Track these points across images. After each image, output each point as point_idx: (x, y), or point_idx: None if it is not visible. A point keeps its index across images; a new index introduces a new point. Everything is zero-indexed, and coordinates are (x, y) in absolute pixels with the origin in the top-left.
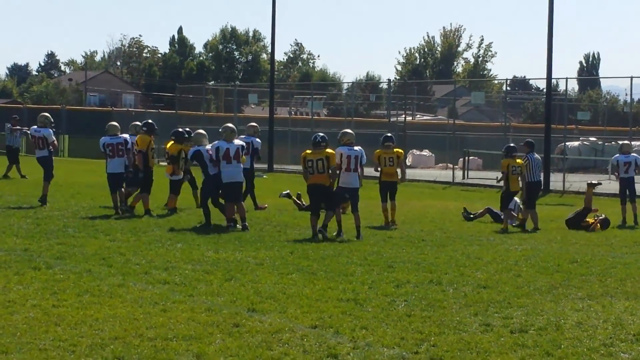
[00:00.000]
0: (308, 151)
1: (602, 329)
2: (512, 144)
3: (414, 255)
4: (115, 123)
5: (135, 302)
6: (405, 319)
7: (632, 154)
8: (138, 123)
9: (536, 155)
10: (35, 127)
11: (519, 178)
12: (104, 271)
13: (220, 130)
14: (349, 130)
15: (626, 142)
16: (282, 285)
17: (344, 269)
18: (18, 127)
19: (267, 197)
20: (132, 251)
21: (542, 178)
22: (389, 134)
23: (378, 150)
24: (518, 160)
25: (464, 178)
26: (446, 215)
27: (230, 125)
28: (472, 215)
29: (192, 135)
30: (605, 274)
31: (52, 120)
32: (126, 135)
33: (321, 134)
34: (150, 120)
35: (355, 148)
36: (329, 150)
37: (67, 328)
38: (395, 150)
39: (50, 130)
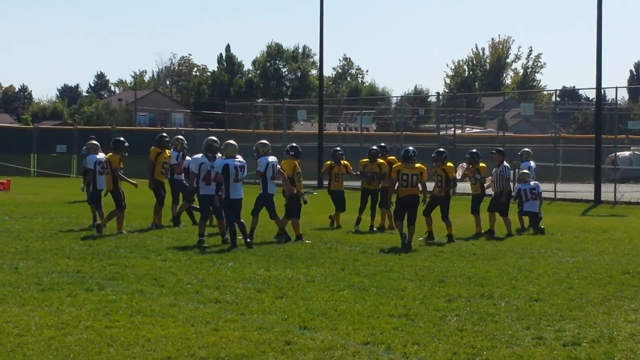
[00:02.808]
0: (400, 164)
1: None
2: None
3: (465, 269)
4: (96, 142)
5: (187, 321)
6: (457, 333)
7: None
8: (181, 137)
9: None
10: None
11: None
12: (155, 291)
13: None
14: (265, 141)
15: (527, 149)
16: (333, 302)
17: (395, 285)
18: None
19: (317, 213)
20: (183, 271)
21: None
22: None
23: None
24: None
25: (514, 190)
26: (497, 228)
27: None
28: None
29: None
30: None
31: (183, 144)
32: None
33: (411, 148)
34: (294, 144)
35: (272, 158)
36: (421, 165)
37: (120, 349)
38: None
39: (177, 153)
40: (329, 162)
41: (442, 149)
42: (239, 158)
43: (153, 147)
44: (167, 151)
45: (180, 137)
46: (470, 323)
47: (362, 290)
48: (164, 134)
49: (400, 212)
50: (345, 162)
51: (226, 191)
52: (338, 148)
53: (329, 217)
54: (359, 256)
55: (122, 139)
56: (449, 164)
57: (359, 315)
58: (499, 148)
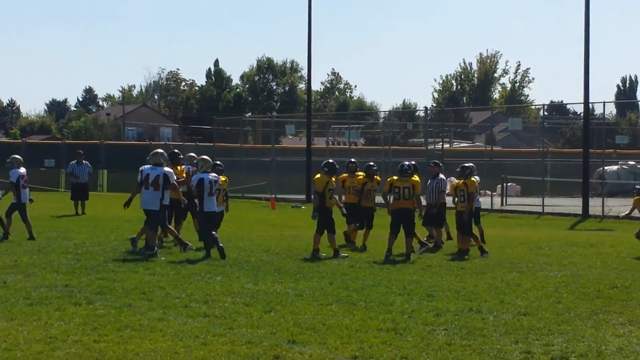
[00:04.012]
0: (395, 177)
1: None
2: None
3: (453, 283)
4: (18, 156)
5: (175, 335)
6: (446, 347)
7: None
8: (194, 155)
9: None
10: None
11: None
12: (144, 305)
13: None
14: (206, 157)
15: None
16: (321, 316)
17: (383, 299)
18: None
19: (306, 228)
20: (171, 285)
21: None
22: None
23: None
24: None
25: (502, 205)
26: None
27: (160, 150)
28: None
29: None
30: None
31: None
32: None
33: (407, 163)
34: (331, 160)
35: (213, 175)
36: (415, 178)
37: None
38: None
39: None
40: (360, 178)
41: (466, 164)
42: (213, 173)
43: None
44: (179, 167)
45: (159, 150)
46: (458, 337)
47: (350, 305)
48: (176, 150)
49: (394, 224)
50: (378, 178)
51: (200, 204)
52: (372, 163)
53: (343, 233)
54: (347, 270)
55: (176, 150)
56: (473, 179)
57: (348, 329)
58: (436, 161)
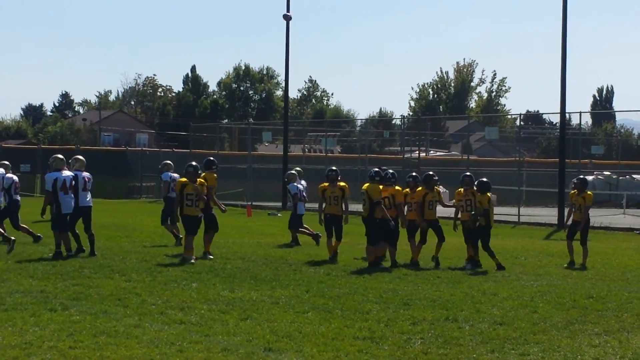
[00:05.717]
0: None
1: None
2: (414, 173)
3: (430, 292)
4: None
5: (151, 342)
6: (422, 356)
7: None
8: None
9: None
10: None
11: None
12: (120, 312)
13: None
14: (80, 157)
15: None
16: (298, 324)
17: (359, 307)
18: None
19: (281, 235)
20: (147, 291)
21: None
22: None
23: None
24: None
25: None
26: (461, 252)
27: (60, 155)
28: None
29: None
30: (621, 309)
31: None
32: None
33: (391, 171)
34: (377, 169)
35: (87, 173)
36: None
37: None
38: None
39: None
40: (420, 189)
41: (468, 174)
42: (87, 173)
43: (205, 173)
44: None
45: (79, 156)
46: (434, 346)
47: (326, 312)
48: (211, 157)
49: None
50: (438, 189)
51: (76, 199)
52: (432, 173)
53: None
54: (323, 278)
55: (212, 158)
56: (489, 194)
57: (324, 337)
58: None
